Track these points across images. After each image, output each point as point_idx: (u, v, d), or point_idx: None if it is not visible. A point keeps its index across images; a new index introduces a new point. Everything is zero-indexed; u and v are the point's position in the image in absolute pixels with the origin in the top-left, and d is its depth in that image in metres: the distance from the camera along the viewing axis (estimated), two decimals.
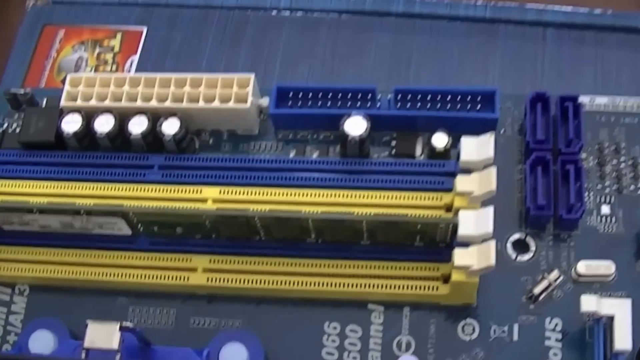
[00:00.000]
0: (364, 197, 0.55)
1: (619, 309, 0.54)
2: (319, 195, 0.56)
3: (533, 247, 0.58)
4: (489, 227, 0.52)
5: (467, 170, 0.54)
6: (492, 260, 0.52)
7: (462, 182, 0.54)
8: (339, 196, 0.55)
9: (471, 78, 0.65)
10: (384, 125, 0.60)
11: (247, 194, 0.56)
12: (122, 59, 0.74)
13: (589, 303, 0.54)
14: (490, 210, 0.53)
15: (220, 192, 0.57)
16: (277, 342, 0.56)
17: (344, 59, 0.66)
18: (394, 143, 0.61)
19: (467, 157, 0.54)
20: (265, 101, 0.61)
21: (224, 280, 0.56)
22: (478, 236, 0.52)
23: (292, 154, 0.61)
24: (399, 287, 0.56)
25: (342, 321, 0.57)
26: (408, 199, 0.55)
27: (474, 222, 0.53)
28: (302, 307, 0.57)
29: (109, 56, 0.74)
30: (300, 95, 0.60)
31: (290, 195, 0.56)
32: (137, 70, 0.73)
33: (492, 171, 0.53)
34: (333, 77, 0.65)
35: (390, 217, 0.54)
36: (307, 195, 0.56)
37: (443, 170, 0.56)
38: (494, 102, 0.59)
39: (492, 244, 0.52)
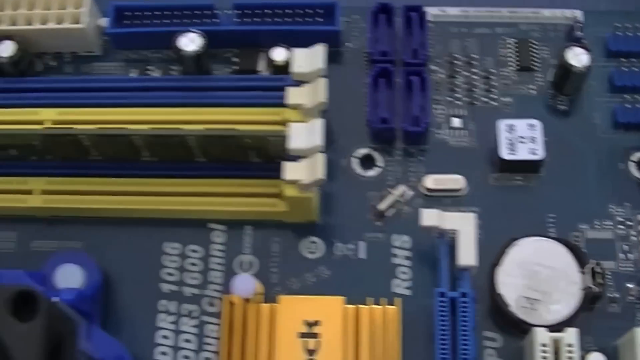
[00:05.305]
0: (195, 113, 0.54)
1: (462, 223, 0.53)
2: (151, 114, 0.55)
3: (380, 162, 0.57)
4: (319, 140, 0.51)
5: (301, 83, 0.54)
6: (322, 173, 0.51)
7: (293, 95, 0.53)
8: (170, 114, 0.54)
9: None
10: (226, 41, 0.59)
11: (85, 114, 0.55)
12: None
13: (430, 217, 0.53)
14: (319, 122, 0.52)
15: (57, 113, 0.55)
16: (117, 263, 0.55)
17: None
18: (236, 59, 0.60)
19: (298, 68, 0.53)
20: (103, 20, 0.60)
21: (61, 202, 0.55)
22: (308, 149, 0.52)
23: (133, 74, 0.60)
24: (239, 204, 0.55)
25: (182, 241, 0.56)
26: (242, 115, 0.54)
27: (304, 135, 0.52)
28: (142, 226, 0.56)
29: None
30: (139, 14, 0.59)
31: (123, 114, 0.55)
32: None
33: (323, 82, 0.53)
34: None
35: (216, 132, 0.53)
36: (139, 113, 0.55)
37: (280, 84, 0.55)
38: (334, 14, 0.58)
39: (322, 156, 0.51)
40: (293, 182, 0.52)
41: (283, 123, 0.54)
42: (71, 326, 0.48)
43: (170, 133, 0.53)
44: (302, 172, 0.51)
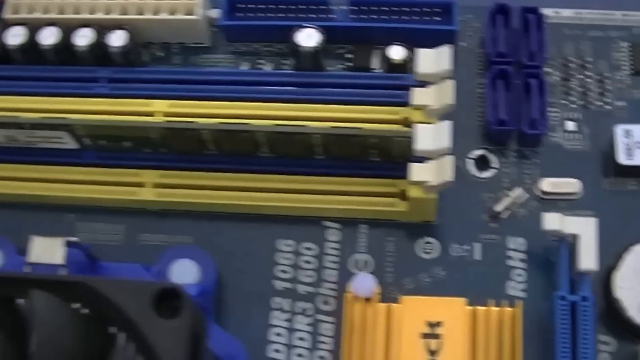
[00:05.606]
0: (317, 110, 0.54)
1: (583, 227, 0.53)
2: (271, 109, 0.54)
3: (495, 164, 0.57)
4: (447, 141, 0.51)
5: (424, 83, 0.53)
6: (450, 175, 0.51)
7: (419, 95, 0.53)
8: (292, 109, 0.54)
9: None
10: (339, 37, 0.58)
11: (197, 107, 0.54)
12: None
13: (552, 221, 0.53)
14: (447, 124, 0.51)
15: (169, 105, 0.54)
16: (229, 258, 0.55)
17: None
18: (349, 56, 0.59)
19: (423, 69, 0.53)
20: (215, 12, 0.59)
21: (173, 196, 0.55)
22: (435, 151, 0.51)
23: (244, 66, 0.60)
24: (355, 203, 0.54)
25: (296, 238, 0.55)
26: (363, 113, 0.54)
27: (431, 136, 0.51)
28: (255, 223, 0.55)
29: None
30: (252, 6, 0.59)
31: (242, 108, 0.54)
32: None
33: (449, 84, 0.52)
34: None
35: (345, 131, 0.53)
36: (258, 108, 0.54)
37: (400, 83, 0.54)
38: (451, 13, 0.58)
39: (450, 158, 0.51)
40: (419, 184, 0.52)
41: (404, 122, 0.53)
42: (204, 323, 0.47)
43: (297, 130, 0.53)
44: (428, 173, 0.51)
